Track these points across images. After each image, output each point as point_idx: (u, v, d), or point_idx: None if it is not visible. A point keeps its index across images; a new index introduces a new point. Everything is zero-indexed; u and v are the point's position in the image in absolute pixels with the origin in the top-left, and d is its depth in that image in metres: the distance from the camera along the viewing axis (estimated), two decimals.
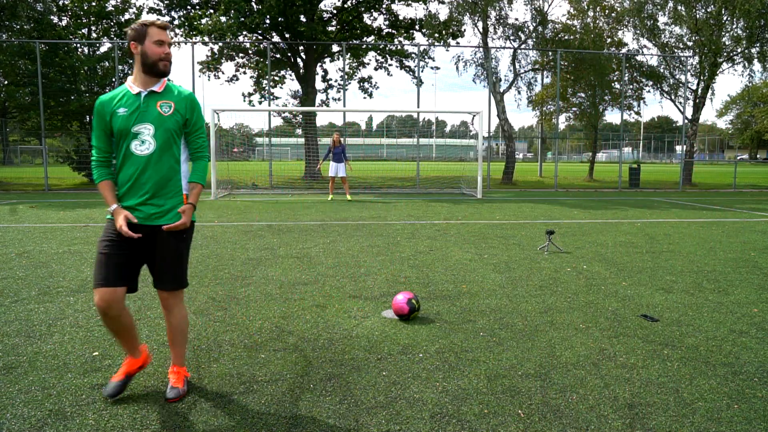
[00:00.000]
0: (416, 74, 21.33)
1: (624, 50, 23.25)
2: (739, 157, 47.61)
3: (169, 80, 2.78)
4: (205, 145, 2.79)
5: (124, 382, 2.73)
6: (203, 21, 18.25)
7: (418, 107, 20.13)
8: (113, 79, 20.03)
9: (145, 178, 2.60)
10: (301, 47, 21.30)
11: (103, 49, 20.67)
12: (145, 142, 2.59)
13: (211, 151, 15.13)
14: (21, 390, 2.77)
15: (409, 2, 21.70)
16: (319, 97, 23.32)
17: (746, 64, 21.05)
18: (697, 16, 20.61)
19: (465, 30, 22.98)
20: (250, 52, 22.79)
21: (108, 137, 2.64)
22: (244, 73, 23.69)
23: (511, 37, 21.95)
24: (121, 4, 20.79)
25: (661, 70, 22.38)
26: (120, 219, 2.52)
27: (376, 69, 23.91)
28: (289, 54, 21.85)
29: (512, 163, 22.35)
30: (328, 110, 22.47)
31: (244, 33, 20.61)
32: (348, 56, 21.70)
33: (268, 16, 19.03)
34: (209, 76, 23.11)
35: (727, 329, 3.82)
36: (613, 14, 22.47)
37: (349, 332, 3.70)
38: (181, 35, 20.56)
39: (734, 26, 20.33)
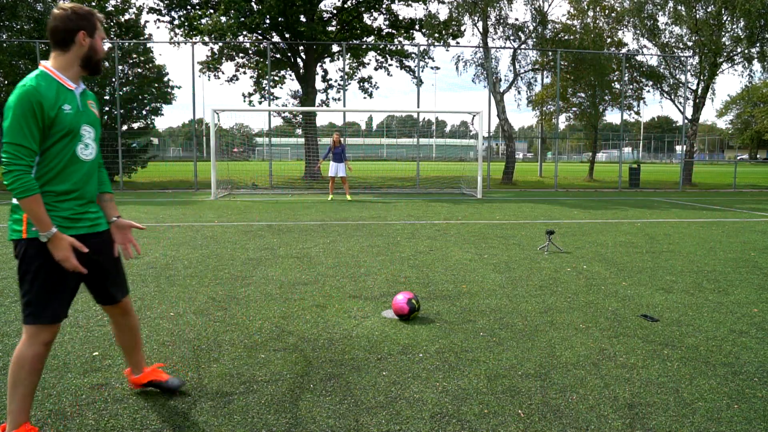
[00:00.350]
0: (416, 74, 21.35)
1: (624, 50, 23.26)
2: (739, 157, 47.62)
3: None
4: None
5: None
6: (203, 21, 18.25)
7: (418, 107, 20.13)
8: (113, 79, 20.04)
9: (90, 186, 2.33)
10: (301, 47, 21.30)
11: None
12: (88, 146, 2.29)
13: (211, 151, 15.13)
14: None
15: (409, 2, 21.71)
16: (319, 97, 23.34)
17: (746, 64, 21.06)
18: (697, 16, 20.61)
19: (465, 30, 22.97)
20: (250, 52, 22.79)
21: (41, 137, 2.14)
22: (244, 73, 23.71)
23: (511, 37, 21.96)
24: (121, 4, 20.78)
25: (661, 70, 22.39)
26: (66, 251, 2.15)
27: (376, 69, 23.93)
28: (289, 54, 21.85)
29: (512, 163, 22.36)
30: (328, 110, 22.48)
31: (244, 33, 20.62)
32: (348, 56, 21.70)
33: (268, 16, 19.03)
34: (209, 76, 23.14)
35: (727, 329, 3.82)
36: (613, 14, 22.48)
37: (349, 332, 3.70)
38: (181, 35, 20.56)
39: (734, 26, 20.34)
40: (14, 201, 2.17)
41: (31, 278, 2.22)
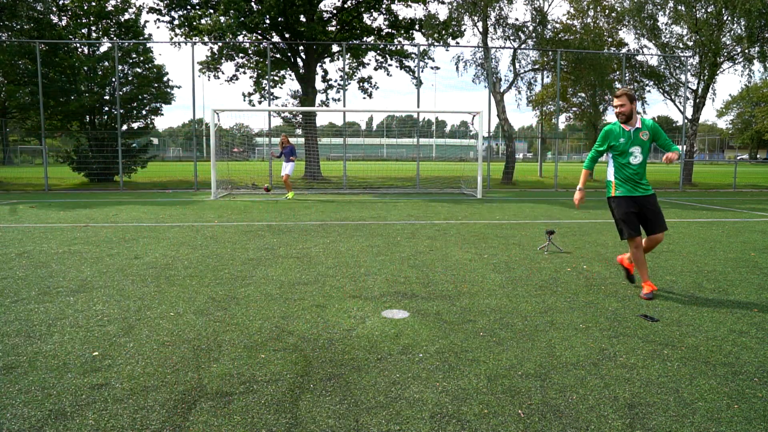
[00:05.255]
0: (416, 74, 21.33)
1: (624, 50, 23.25)
2: (739, 157, 47.56)
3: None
4: None
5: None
6: (203, 21, 18.24)
7: (418, 107, 20.13)
8: (113, 79, 20.03)
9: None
10: (301, 47, 21.30)
11: (103, 49, 20.66)
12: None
13: (211, 151, 15.13)
14: (21, 390, 2.77)
15: (409, 3, 21.69)
16: (319, 97, 23.33)
17: (746, 63, 21.06)
18: (697, 15, 20.61)
19: (465, 30, 22.95)
20: (250, 52, 22.78)
21: None
22: (244, 73, 23.69)
23: (511, 37, 21.95)
24: (121, 4, 20.77)
25: (661, 70, 22.39)
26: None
27: (375, 69, 23.91)
28: (289, 54, 21.84)
29: (512, 163, 22.36)
30: (328, 110, 22.47)
31: (244, 33, 20.61)
32: (348, 56, 21.70)
33: (267, 16, 19.02)
34: (209, 76, 23.11)
35: (727, 329, 3.82)
36: (613, 14, 22.48)
37: (349, 332, 3.70)
38: (181, 35, 20.55)
39: (734, 26, 20.33)
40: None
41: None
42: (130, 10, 21.03)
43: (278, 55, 21.88)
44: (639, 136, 4.60)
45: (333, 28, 22.55)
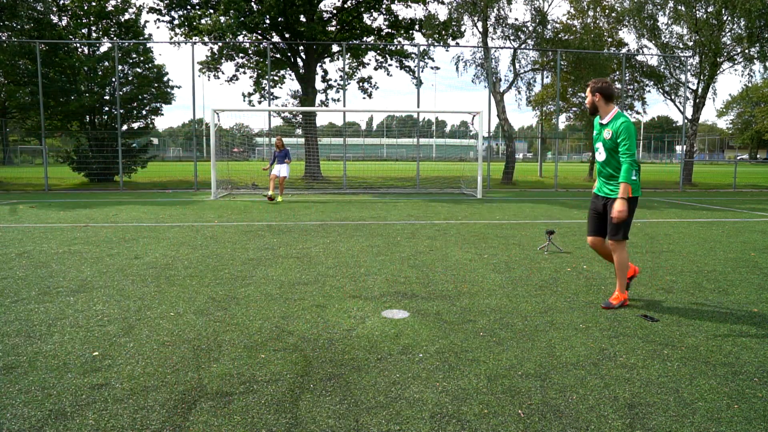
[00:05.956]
0: (416, 74, 21.33)
1: (624, 50, 23.25)
2: (739, 157, 47.58)
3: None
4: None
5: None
6: (203, 21, 18.23)
7: (418, 107, 20.13)
8: (113, 79, 20.03)
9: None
10: (301, 47, 21.30)
11: (103, 49, 20.65)
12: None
13: (211, 151, 15.13)
14: (21, 390, 2.77)
15: (409, 3, 21.69)
16: (319, 97, 23.32)
17: (746, 63, 21.06)
18: (697, 15, 20.61)
19: (465, 30, 22.95)
20: (250, 52, 22.78)
21: None
22: (244, 73, 23.68)
23: (511, 37, 21.96)
24: (121, 4, 20.77)
25: (661, 70, 22.39)
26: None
27: (375, 69, 23.91)
28: (289, 54, 21.83)
29: (512, 163, 22.36)
30: (328, 110, 22.46)
31: (244, 33, 20.60)
32: (348, 56, 21.70)
33: (267, 16, 19.02)
34: (209, 76, 23.12)
35: (727, 329, 3.82)
36: (613, 14, 22.48)
37: (349, 332, 3.70)
38: (181, 35, 20.55)
39: (734, 26, 20.34)
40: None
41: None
42: (130, 10, 21.05)
43: (278, 55, 21.88)
44: (603, 134, 4.29)
45: (333, 28, 22.54)
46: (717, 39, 20.21)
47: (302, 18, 20.61)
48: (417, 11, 55.19)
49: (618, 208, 4.06)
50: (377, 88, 24.89)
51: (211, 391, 2.80)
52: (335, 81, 23.92)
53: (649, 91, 24.03)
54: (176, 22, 20.40)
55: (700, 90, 21.53)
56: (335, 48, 21.95)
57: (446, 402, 2.70)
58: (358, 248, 6.85)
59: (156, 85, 21.94)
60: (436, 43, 21.43)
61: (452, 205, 12.92)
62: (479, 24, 21.32)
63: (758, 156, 70.91)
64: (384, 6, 21.61)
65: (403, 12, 76.60)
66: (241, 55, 22.76)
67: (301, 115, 22.37)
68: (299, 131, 23.58)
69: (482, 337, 3.61)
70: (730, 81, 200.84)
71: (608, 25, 22.83)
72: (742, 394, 2.81)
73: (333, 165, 26.30)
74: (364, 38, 23.07)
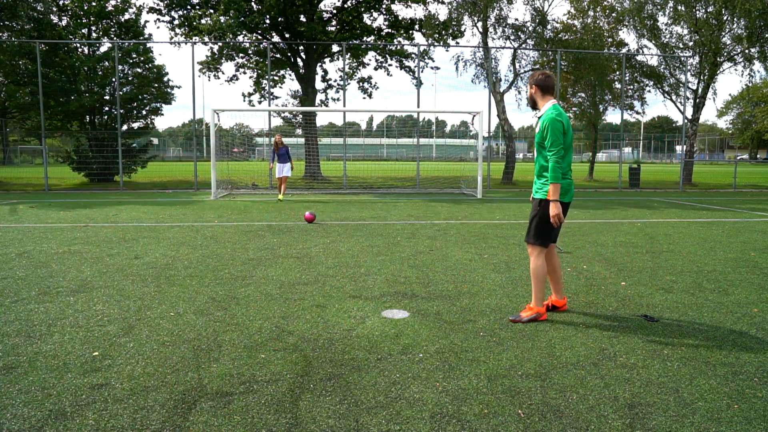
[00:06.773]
0: (416, 74, 21.33)
1: (624, 50, 23.25)
2: (739, 157, 47.57)
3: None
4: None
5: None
6: (203, 21, 18.24)
7: (418, 107, 20.13)
8: (113, 79, 20.03)
9: None
10: (301, 47, 21.30)
11: (103, 49, 20.66)
12: None
13: (211, 151, 15.13)
14: (21, 390, 2.77)
15: (409, 3, 21.69)
16: (319, 97, 23.33)
17: (746, 63, 21.05)
18: (697, 15, 20.61)
19: (465, 30, 22.95)
20: (250, 52, 22.78)
21: None
22: (244, 73, 23.68)
23: (511, 37, 21.95)
24: (121, 4, 20.77)
25: (661, 70, 22.38)
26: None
27: (376, 69, 23.91)
28: (289, 54, 21.84)
29: (512, 163, 22.36)
30: (328, 110, 22.46)
31: (244, 33, 20.60)
32: (348, 56, 21.70)
33: (268, 16, 19.02)
34: (209, 76, 23.12)
35: (727, 329, 3.82)
36: (613, 14, 22.47)
37: (349, 332, 3.70)
38: (181, 35, 20.55)
39: (734, 26, 20.33)
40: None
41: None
42: (130, 10, 21.05)
43: (278, 55, 21.88)
44: (535, 128, 3.97)
45: (333, 28, 22.55)
46: (717, 39, 20.21)
47: (302, 18, 20.61)
48: (417, 11, 55.23)
49: (551, 212, 3.76)
50: (377, 88, 24.90)
51: (211, 391, 2.80)
52: (335, 81, 23.93)
53: (649, 91, 24.05)
54: (176, 22, 20.40)
55: (700, 90, 21.53)
56: (335, 48, 21.96)
57: (446, 402, 2.70)
58: (358, 248, 6.85)
59: (156, 85, 21.95)
60: (436, 43, 21.42)
61: (452, 205, 12.92)
62: (479, 24, 21.33)
63: (758, 156, 70.91)
64: (384, 6, 21.62)
65: (403, 12, 76.64)
66: (241, 55, 22.77)
67: (301, 115, 22.37)
68: (299, 131, 23.59)
69: (482, 337, 3.61)
70: (730, 81, 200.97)
71: (608, 25, 22.83)
72: (742, 394, 2.81)
73: (333, 165, 26.32)
74: (364, 38, 23.08)
